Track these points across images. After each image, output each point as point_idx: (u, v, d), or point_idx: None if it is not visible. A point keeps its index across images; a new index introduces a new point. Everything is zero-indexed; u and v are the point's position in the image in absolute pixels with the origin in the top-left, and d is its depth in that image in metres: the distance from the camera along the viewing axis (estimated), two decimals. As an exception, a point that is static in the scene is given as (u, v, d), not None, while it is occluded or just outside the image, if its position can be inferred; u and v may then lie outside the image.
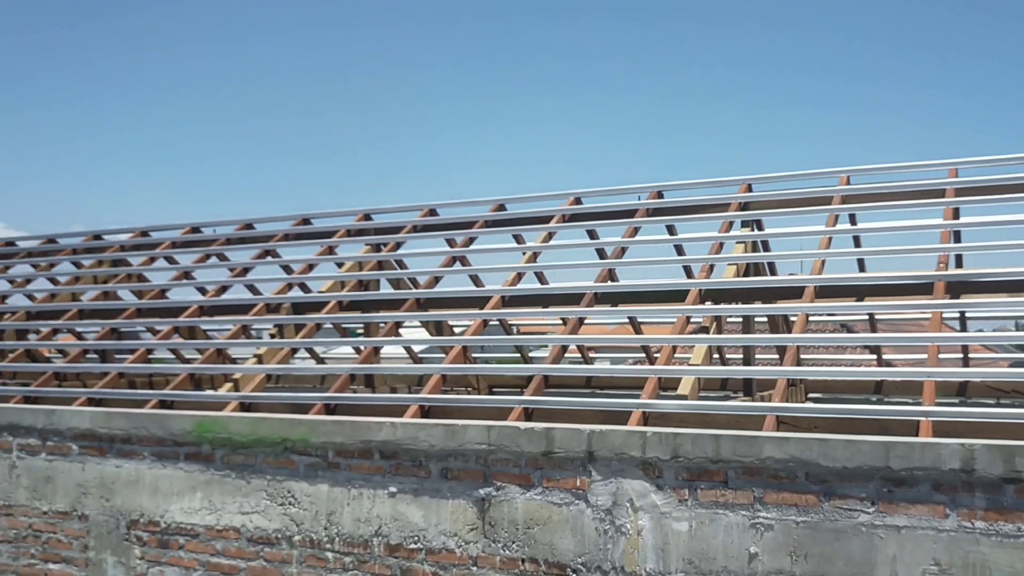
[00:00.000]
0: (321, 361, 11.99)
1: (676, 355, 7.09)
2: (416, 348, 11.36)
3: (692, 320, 7.12)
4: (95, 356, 10.41)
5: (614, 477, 5.26)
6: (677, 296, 7.08)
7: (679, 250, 8.17)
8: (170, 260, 10.70)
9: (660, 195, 8.43)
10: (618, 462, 5.25)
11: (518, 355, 13.59)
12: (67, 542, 7.00)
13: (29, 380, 8.95)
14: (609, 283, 7.43)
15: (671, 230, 8.26)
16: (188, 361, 11.63)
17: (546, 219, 8.84)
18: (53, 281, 11.12)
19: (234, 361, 10.62)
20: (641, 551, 5.18)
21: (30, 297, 10.96)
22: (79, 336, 11.18)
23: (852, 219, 7.84)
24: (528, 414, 6.05)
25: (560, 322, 9.30)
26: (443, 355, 9.74)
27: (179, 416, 6.67)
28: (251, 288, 10.07)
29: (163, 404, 7.38)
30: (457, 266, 8.62)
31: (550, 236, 8.46)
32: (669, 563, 5.10)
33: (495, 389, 10.76)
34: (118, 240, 11.16)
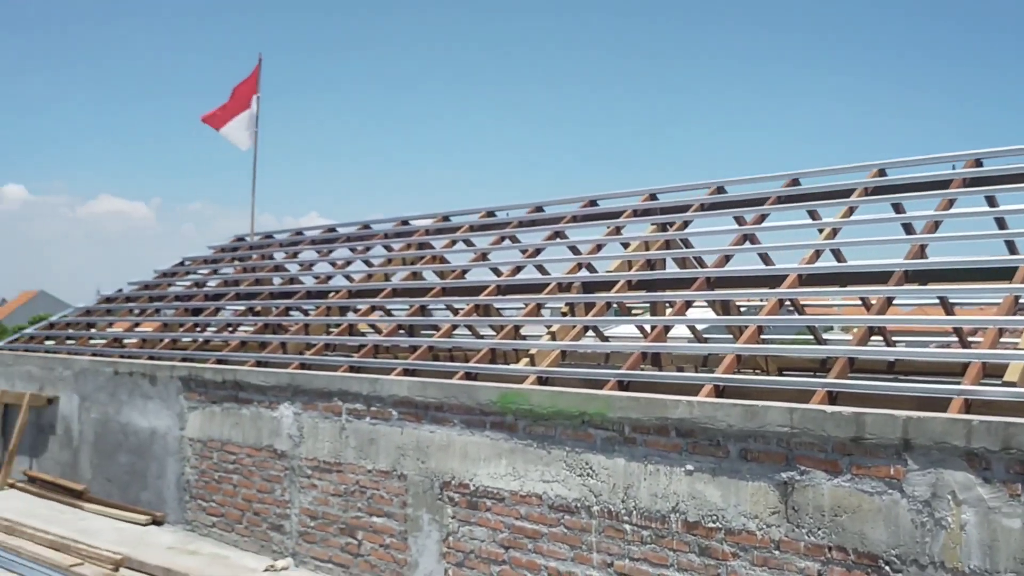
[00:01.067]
0: (605, 339, 12.26)
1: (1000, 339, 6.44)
2: (698, 328, 11.26)
3: (1021, 300, 6.43)
4: (403, 331, 11.41)
5: (933, 467, 4.91)
6: (1002, 274, 6.44)
7: (1000, 223, 7.39)
8: (468, 243, 11.45)
9: (979, 163, 7.68)
10: (938, 451, 4.89)
11: (805, 337, 13.03)
12: (388, 498, 7.75)
13: (350, 352, 10.01)
14: (920, 260, 6.91)
15: (991, 201, 7.50)
16: (481, 337, 12.42)
17: (845, 193, 8.38)
18: (368, 263, 12.31)
19: (524, 338, 11.17)
20: (964, 547, 4.80)
21: (348, 278, 12.22)
22: (389, 312, 12.29)
23: None
24: (832, 398, 5.81)
25: (858, 302, 8.80)
26: (730, 336, 9.58)
27: (485, 387, 7.13)
28: (540, 268, 10.51)
29: (468, 376, 7.94)
30: (747, 244, 8.42)
31: (851, 211, 8.01)
32: (998, 562, 4.69)
33: (784, 371, 10.40)
34: (423, 225, 12.10)
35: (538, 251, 10.22)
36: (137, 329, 13.46)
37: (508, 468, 6.87)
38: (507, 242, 10.88)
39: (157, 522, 9.98)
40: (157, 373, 10.30)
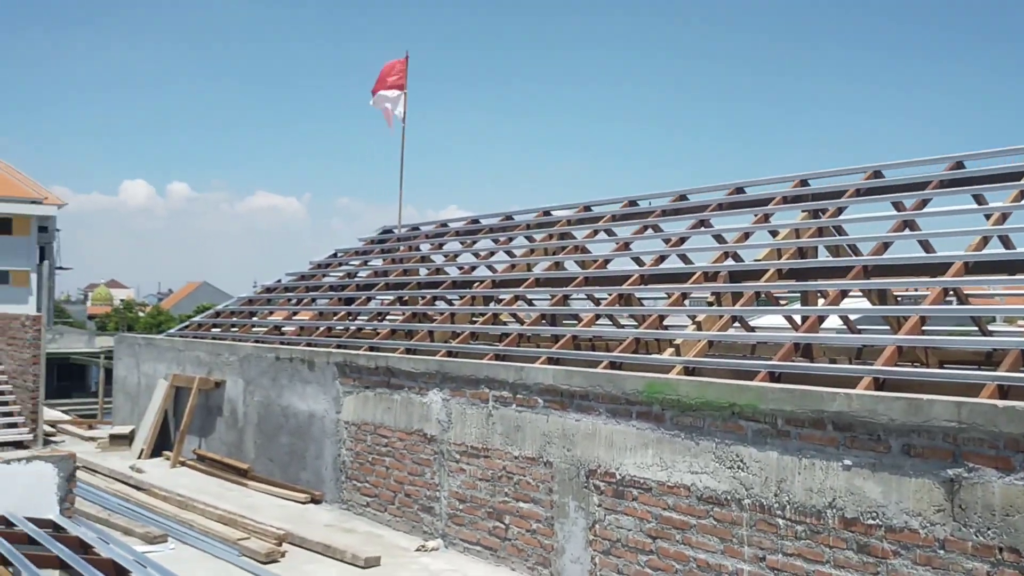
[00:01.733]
0: (751, 329, 11.99)
1: None
2: (849, 318, 10.84)
3: None
4: (545, 320, 11.54)
5: (1121, 468, 4.57)
6: None
7: None
8: (609, 232, 11.45)
9: None
10: None
11: (966, 328, 12.30)
12: (534, 484, 7.88)
13: (494, 341, 10.22)
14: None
15: None
16: (622, 327, 12.39)
17: (1014, 176, 7.88)
18: (510, 254, 12.52)
19: (667, 328, 11.07)
20: None
21: (491, 268, 12.48)
22: (530, 302, 12.46)
23: None
24: (1003, 392, 5.49)
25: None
26: (886, 327, 9.19)
27: (631, 377, 7.13)
28: (683, 258, 10.39)
29: (613, 365, 7.98)
30: (906, 231, 8.05)
31: (1021, 195, 7.52)
32: None
33: (945, 364, 9.87)
34: (564, 215, 12.20)
35: (682, 240, 10.11)
36: (295, 317, 14.20)
37: (655, 458, 6.85)
38: (650, 231, 10.81)
39: (315, 501, 10.52)
40: (315, 359, 10.84)
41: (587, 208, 12.04)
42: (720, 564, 6.34)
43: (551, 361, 8.53)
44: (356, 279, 14.00)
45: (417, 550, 8.65)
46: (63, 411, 21.41)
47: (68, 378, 39.97)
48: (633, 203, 11.48)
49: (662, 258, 9.93)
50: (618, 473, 7.12)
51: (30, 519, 7.66)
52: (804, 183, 9.61)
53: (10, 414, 11.23)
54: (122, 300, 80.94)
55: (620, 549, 7.05)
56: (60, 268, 43.76)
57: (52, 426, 16.03)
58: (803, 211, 9.15)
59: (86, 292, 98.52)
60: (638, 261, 10.56)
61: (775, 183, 10.01)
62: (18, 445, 12.57)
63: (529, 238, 12.43)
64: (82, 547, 7.18)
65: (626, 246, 10.67)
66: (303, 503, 10.47)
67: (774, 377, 6.69)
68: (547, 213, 12.60)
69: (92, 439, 15.11)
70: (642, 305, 10.83)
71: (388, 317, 12.72)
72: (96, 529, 8.47)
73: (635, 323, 11.54)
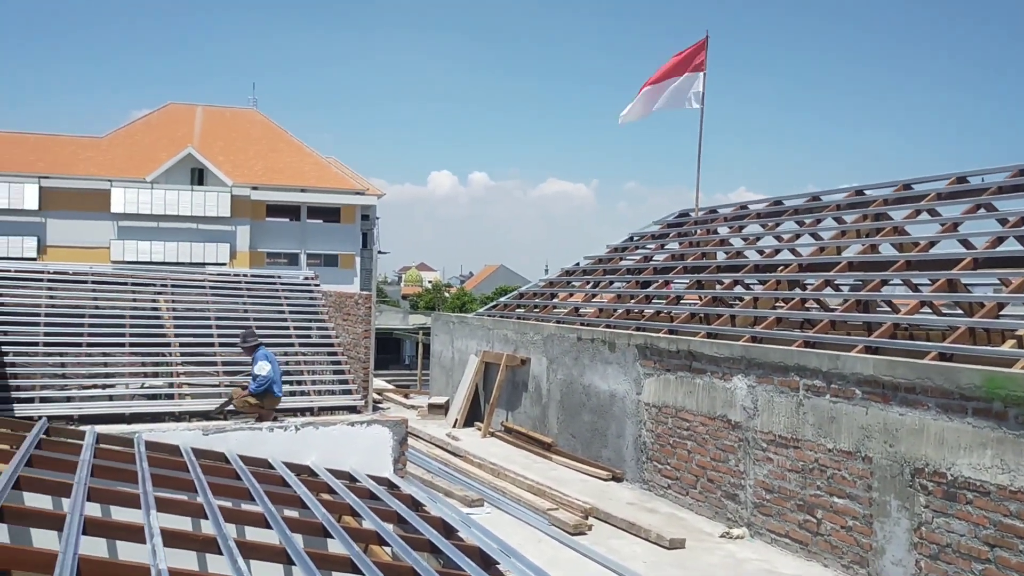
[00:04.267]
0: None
1: None
2: None
3: None
4: (858, 307, 10.83)
5: None
6: None
7: None
8: (933, 212, 10.51)
9: None
10: None
11: None
12: (851, 480, 7.48)
13: (796, 327, 9.77)
14: None
15: None
16: (943, 315, 11.32)
17: None
18: (816, 236, 11.90)
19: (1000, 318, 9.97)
20: None
21: (795, 252, 11.94)
22: (838, 288, 11.76)
23: None
24: None
25: None
26: None
27: (966, 370, 6.52)
28: (1021, 240, 9.29)
29: (942, 356, 7.34)
30: None
31: None
32: None
33: None
34: (880, 195, 11.37)
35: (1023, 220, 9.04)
36: (593, 299, 14.57)
37: (994, 460, 6.22)
38: (982, 211, 9.78)
39: (616, 478, 10.77)
40: (615, 340, 11.07)
41: (907, 186, 11.13)
42: (1077, 584, 5.64)
43: (868, 350, 8.02)
44: (653, 262, 14.06)
45: (721, 536, 8.56)
46: (385, 381, 23.72)
47: (385, 351, 44.13)
48: (963, 179, 10.44)
49: (999, 240, 8.95)
50: (949, 474, 6.55)
51: (371, 476, 8.58)
52: None
53: (346, 382, 12.61)
54: (430, 282, 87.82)
55: (950, 555, 6.50)
56: (380, 252, 48.34)
57: (378, 394, 17.82)
58: None
59: (400, 274, 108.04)
60: (967, 244, 9.62)
61: None
62: (351, 410, 14.10)
63: (838, 219, 11.74)
64: (414, 504, 7.90)
65: (954, 227, 9.74)
66: (604, 480, 10.76)
67: None
68: (860, 192, 11.81)
69: (412, 407, 16.60)
70: (969, 292, 9.84)
71: (685, 301, 12.64)
72: (423, 488, 9.30)
73: (961, 312, 10.52)
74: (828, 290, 10.78)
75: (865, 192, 11.69)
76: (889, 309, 11.46)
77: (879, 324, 8.71)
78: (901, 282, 11.07)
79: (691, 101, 14.82)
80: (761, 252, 12.22)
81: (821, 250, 11.10)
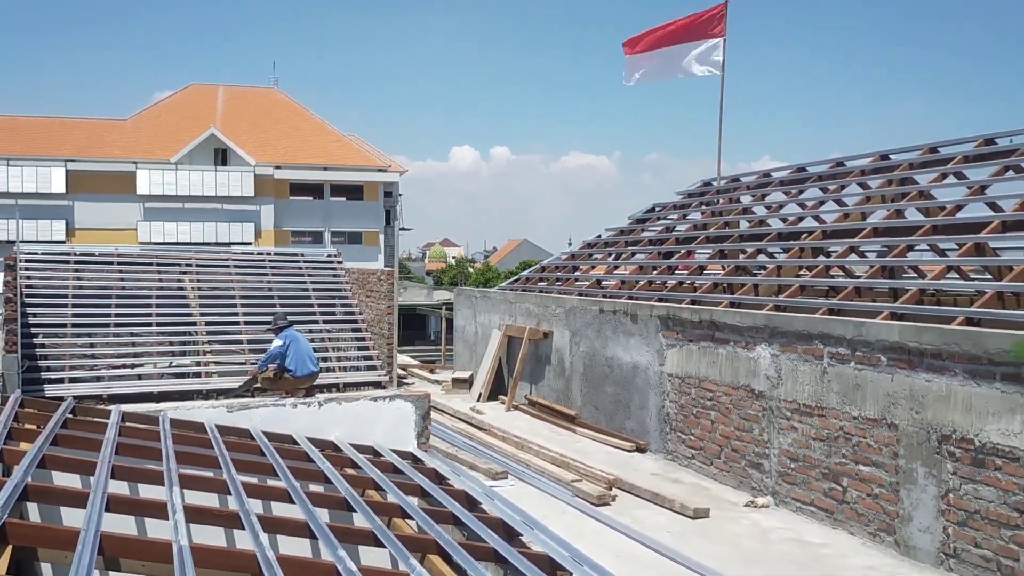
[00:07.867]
0: None
1: None
2: None
3: None
4: (883, 273, 10.69)
5: None
6: None
7: None
8: (959, 176, 10.32)
9: None
10: None
11: None
12: (876, 447, 7.41)
13: (821, 295, 9.68)
14: None
15: None
16: (971, 280, 11.15)
17: None
18: (840, 203, 11.74)
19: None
20: None
21: (818, 219, 11.78)
22: (862, 254, 11.62)
23: None
24: None
25: None
26: None
27: (995, 335, 6.41)
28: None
29: (969, 322, 7.23)
30: None
31: None
32: None
33: None
34: (905, 159, 11.18)
35: (1053, 181, 8.85)
36: (615, 271, 14.50)
37: (1023, 425, 6.13)
38: (1011, 173, 9.59)
39: (640, 449, 10.77)
40: (638, 312, 11.01)
41: (933, 150, 10.93)
42: (1108, 549, 5.57)
43: (894, 316, 7.92)
44: (675, 233, 13.95)
45: (746, 505, 8.54)
46: (410, 357, 23.83)
47: (411, 327, 44.38)
48: (991, 141, 10.23)
49: (1028, 203, 8.76)
50: (977, 440, 6.47)
51: (394, 451, 8.64)
52: None
53: (370, 358, 12.67)
54: (454, 257, 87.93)
55: (979, 521, 6.44)
56: (403, 229, 48.42)
57: (403, 369, 17.91)
58: None
59: (424, 250, 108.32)
60: (995, 207, 9.44)
61: None
62: (376, 385, 14.18)
63: (863, 185, 11.56)
64: (437, 478, 7.95)
65: (981, 190, 9.57)
66: (628, 451, 10.76)
67: None
68: (885, 157, 11.62)
69: (437, 382, 16.67)
70: (997, 256, 9.66)
71: (708, 271, 12.54)
72: (447, 462, 9.35)
73: (989, 276, 10.34)
74: (853, 257, 10.65)
75: (890, 157, 11.50)
76: (915, 275, 11.29)
77: (905, 290, 8.59)
78: (927, 247, 10.90)
79: (710, 68, 14.59)
80: (784, 220, 12.08)
81: (845, 216, 10.95)
